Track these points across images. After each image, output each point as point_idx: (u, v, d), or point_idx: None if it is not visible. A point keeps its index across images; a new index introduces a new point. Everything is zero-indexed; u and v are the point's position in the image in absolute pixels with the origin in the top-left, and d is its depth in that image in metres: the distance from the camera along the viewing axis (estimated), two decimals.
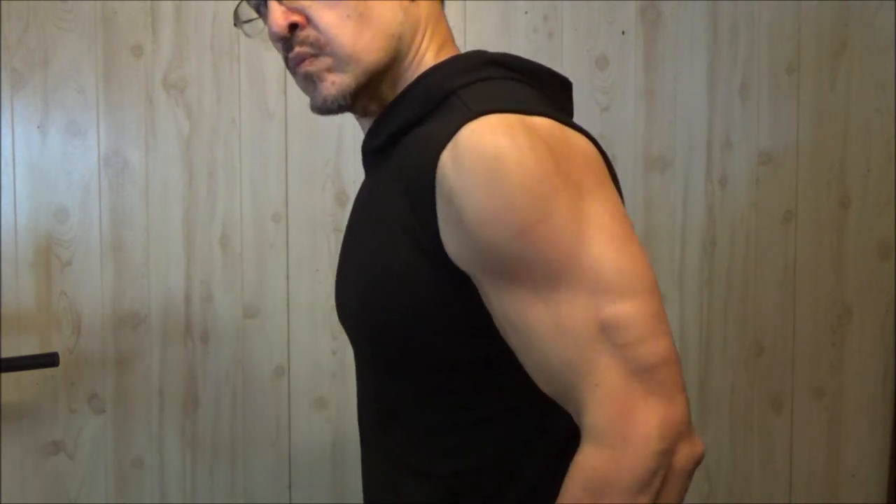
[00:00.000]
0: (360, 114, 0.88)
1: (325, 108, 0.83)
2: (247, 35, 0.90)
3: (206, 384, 1.64)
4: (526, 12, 1.68)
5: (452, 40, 0.89)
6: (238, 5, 0.88)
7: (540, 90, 0.81)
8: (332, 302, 1.65)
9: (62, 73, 1.58)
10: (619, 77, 1.72)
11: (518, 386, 0.75)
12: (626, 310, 0.66)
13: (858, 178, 1.78)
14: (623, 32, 1.71)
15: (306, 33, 0.80)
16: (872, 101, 1.77)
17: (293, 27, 0.80)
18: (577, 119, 1.77)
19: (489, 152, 0.68)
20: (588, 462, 0.67)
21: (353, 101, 0.83)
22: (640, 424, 0.66)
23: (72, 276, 1.59)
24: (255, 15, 0.87)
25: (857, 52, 1.77)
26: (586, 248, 0.67)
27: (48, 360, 1.47)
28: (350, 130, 1.65)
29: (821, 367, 1.79)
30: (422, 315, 0.77)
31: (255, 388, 1.66)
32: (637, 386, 0.66)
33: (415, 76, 0.84)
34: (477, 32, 1.67)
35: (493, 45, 1.71)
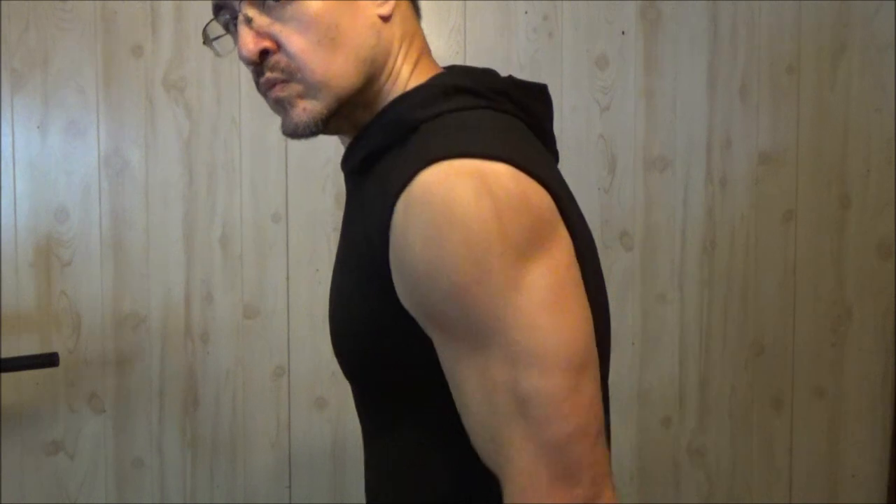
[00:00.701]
0: (334, 133, 0.87)
1: (295, 133, 0.81)
2: (217, 54, 0.89)
3: (206, 384, 1.64)
4: (526, 12, 1.68)
5: (429, 53, 0.88)
6: (207, 24, 0.87)
7: (510, 107, 0.80)
8: None
9: (62, 73, 1.58)
10: (619, 77, 1.72)
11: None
12: (543, 385, 0.66)
13: (858, 178, 1.78)
14: (623, 32, 1.71)
15: (277, 59, 0.78)
16: (872, 101, 1.77)
17: (264, 53, 0.79)
18: (576, 119, 1.77)
19: (435, 208, 0.67)
20: None
21: (324, 126, 0.81)
22: None
23: (72, 276, 1.59)
24: (223, 32, 0.86)
25: (857, 52, 1.77)
26: (515, 318, 0.66)
27: (48, 360, 1.47)
28: None
29: (821, 367, 1.79)
30: (381, 349, 0.77)
31: (255, 388, 1.66)
32: (543, 468, 0.66)
33: (389, 96, 0.83)
34: (477, 32, 1.67)
35: (493, 45, 1.72)
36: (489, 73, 0.83)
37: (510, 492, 0.68)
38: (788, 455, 1.80)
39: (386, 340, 0.76)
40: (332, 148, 1.65)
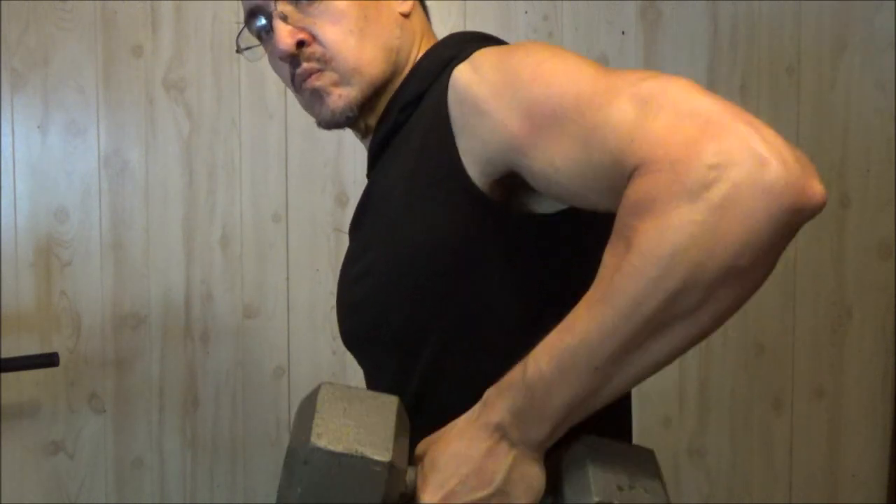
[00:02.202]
0: (361, 132, 0.92)
1: (332, 121, 0.87)
2: (248, 59, 0.95)
3: (206, 384, 1.64)
4: (526, 12, 1.68)
5: None
6: (239, 34, 0.92)
7: None
8: (333, 302, 1.65)
9: (62, 73, 1.58)
10: None
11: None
12: (653, 83, 0.61)
13: (858, 178, 1.78)
14: (623, 32, 1.71)
15: (312, 49, 0.84)
16: (872, 101, 1.77)
17: (300, 44, 0.84)
18: None
19: (498, 50, 0.75)
20: (633, 190, 0.59)
21: (359, 112, 0.87)
22: (692, 145, 0.56)
23: (72, 276, 1.59)
24: (255, 42, 0.92)
25: (857, 52, 1.77)
26: (598, 69, 0.67)
27: (48, 360, 1.47)
28: (350, 130, 1.64)
29: (821, 367, 1.79)
30: (443, 275, 0.77)
31: (255, 388, 1.66)
32: (688, 124, 0.57)
33: None
34: None
35: None
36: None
37: (648, 150, 0.58)
38: (788, 455, 1.80)
39: (446, 254, 0.76)
40: (332, 148, 1.65)
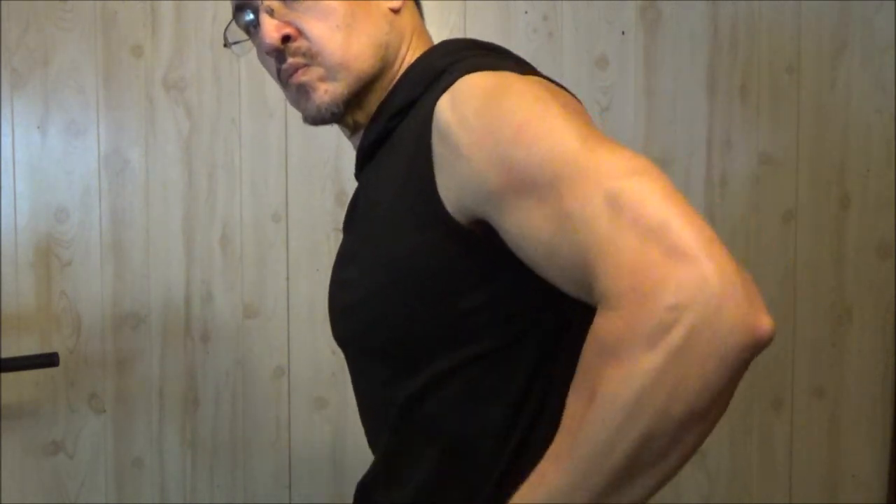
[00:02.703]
0: (350, 128, 0.91)
1: (318, 116, 0.86)
2: (236, 53, 0.94)
3: (206, 384, 1.64)
4: (526, 12, 1.68)
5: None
6: (227, 27, 0.92)
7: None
8: None
9: (62, 73, 1.58)
10: (619, 77, 1.72)
11: (525, 366, 0.76)
12: (630, 183, 0.62)
13: (858, 178, 1.78)
14: (623, 32, 1.71)
15: (298, 44, 0.84)
16: (872, 101, 1.77)
17: (286, 39, 0.83)
18: None
19: (484, 86, 0.73)
20: (600, 327, 0.61)
21: (345, 110, 0.86)
22: (652, 281, 0.58)
23: (72, 276, 1.59)
24: (243, 36, 0.91)
25: (857, 52, 1.77)
26: (583, 139, 0.66)
27: (48, 360, 1.47)
28: None
29: (821, 367, 1.79)
30: (428, 296, 0.77)
31: (255, 388, 1.66)
32: (652, 247, 0.59)
33: None
34: (477, 32, 1.67)
35: None
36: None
37: (614, 278, 0.60)
38: (788, 455, 1.80)
39: (428, 278, 0.76)
40: (332, 148, 1.65)
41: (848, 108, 1.77)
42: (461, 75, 0.75)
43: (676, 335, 0.56)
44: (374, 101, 0.88)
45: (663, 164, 1.73)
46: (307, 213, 1.65)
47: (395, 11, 0.88)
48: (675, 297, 0.56)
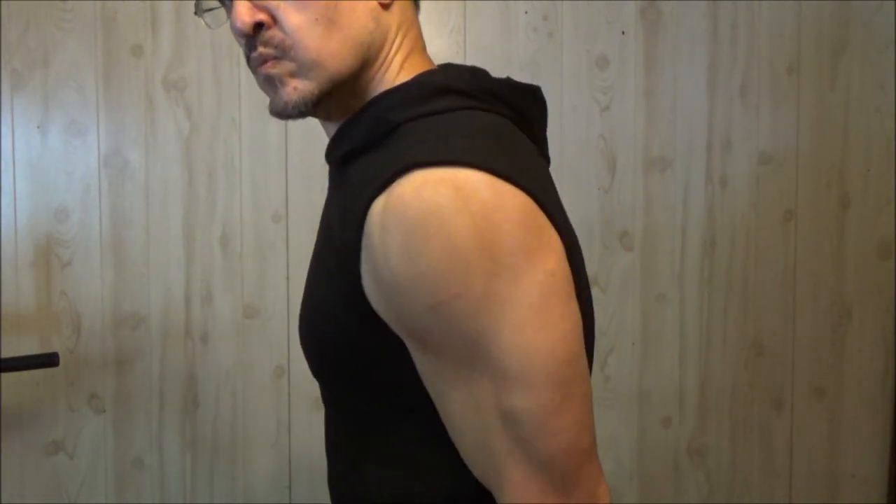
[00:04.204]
0: (323, 118, 0.85)
1: (284, 113, 0.79)
2: (207, 26, 0.86)
3: (206, 384, 1.64)
4: (526, 12, 1.68)
5: (422, 49, 0.86)
6: None
7: (503, 108, 0.78)
8: None
9: (62, 73, 1.58)
10: (619, 77, 1.72)
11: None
12: (529, 403, 0.65)
13: (858, 178, 1.78)
14: (623, 32, 1.71)
15: (272, 34, 0.76)
16: (872, 101, 1.77)
17: (258, 26, 0.76)
18: (576, 119, 1.77)
19: (412, 220, 0.64)
20: None
21: (314, 109, 0.79)
22: None
23: (72, 276, 1.59)
24: (216, 4, 0.83)
25: (857, 52, 1.77)
26: (496, 333, 0.64)
27: (48, 360, 1.47)
28: None
29: (821, 367, 1.79)
30: (345, 355, 0.76)
31: (255, 388, 1.66)
32: (535, 483, 0.66)
33: (380, 86, 0.81)
34: (477, 32, 1.67)
35: (493, 45, 1.72)
36: (480, 73, 0.81)
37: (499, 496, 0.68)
38: (788, 455, 1.80)
39: (356, 345, 0.74)
40: None
41: (848, 108, 1.77)
42: (401, 169, 0.67)
43: None
44: (349, 100, 0.81)
45: (663, 163, 1.74)
46: (307, 213, 1.65)
47: (385, 7, 0.80)
48: None
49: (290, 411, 1.67)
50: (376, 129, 0.76)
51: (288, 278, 1.65)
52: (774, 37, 1.75)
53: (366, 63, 0.79)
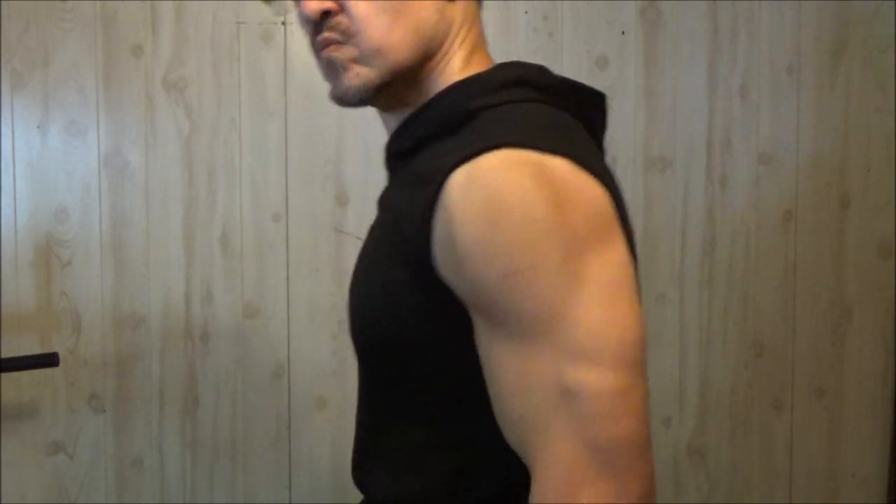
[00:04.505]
0: (381, 108, 0.86)
1: (344, 99, 0.81)
2: (274, 13, 0.89)
3: (206, 384, 1.64)
4: (526, 12, 1.68)
5: (484, 45, 0.87)
6: None
7: (571, 108, 0.79)
8: (332, 302, 1.66)
9: (62, 73, 1.58)
10: (619, 77, 1.72)
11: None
12: (592, 380, 0.63)
13: (858, 178, 1.78)
14: (623, 32, 1.71)
15: (338, 20, 0.78)
16: (872, 101, 1.77)
17: (325, 14, 0.78)
18: None
19: (495, 188, 0.66)
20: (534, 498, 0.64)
21: (374, 96, 0.80)
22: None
23: (72, 276, 1.59)
24: None
25: (857, 52, 1.77)
26: (568, 307, 0.64)
27: (48, 360, 1.47)
28: (350, 130, 1.64)
29: (821, 367, 1.79)
30: (405, 335, 0.76)
31: (255, 388, 1.66)
32: (586, 464, 0.62)
33: (438, 82, 0.82)
34: None
35: (493, 45, 1.71)
36: (547, 72, 0.83)
37: (544, 479, 0.64)
38: (788, 455, 1.80)
39: (410, 325, 0.74)
40: (332, 148, 1.65)
41: (848, 108, 1.77)
42: (486, 146, 0.68)
43: None
44: (407, 92, 0.82)
45: (663, 163, 1.74)
46: (307, 213, 1.65)
47: (450, 0, 0.81)
48: None
49: (290, 411, 1.67)
50: (454, 115, 0.77)
51: (288, 278, 1.65)
52: (774, 37, 1.75)
53: (427, 55, 0.81)
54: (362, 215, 1.65)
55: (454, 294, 0.70)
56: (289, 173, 1.65)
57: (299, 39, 1.61)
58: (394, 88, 0.81)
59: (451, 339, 0.73)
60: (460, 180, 0.68)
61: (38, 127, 1.58)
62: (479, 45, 0.86)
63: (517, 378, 0.66)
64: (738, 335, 1.77)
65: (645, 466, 0.65)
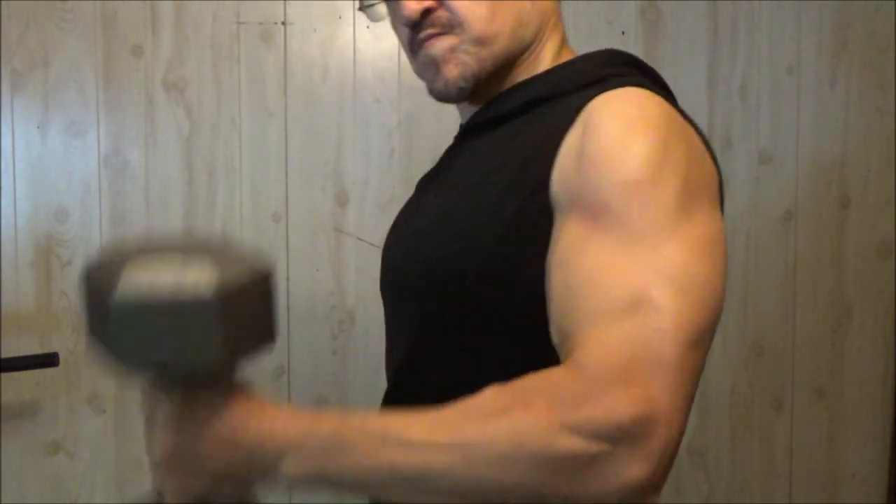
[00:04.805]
0: (472, 101, 0.87)
1: (444, 91, 0.83)
2: (369, 19, 0.90)
3: None
4: None
5: (567, 41, 0.90)
6: None
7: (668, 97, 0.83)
8: (332, 302, 1.66)
9: (62, 73, 1.58)
10: None
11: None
12: (671, 304, 0.61)
13: (858, 178, 1.78)
14: (623, 32, 1.71)
15: (438, 14, 0.81)
16: (872, 101, 1.77)
17: (426, 12, 0.80)
18: None
19: (638, 104, 0.71)
20: (559, 377, 0.61)
21: (474, 85, 0.82)
22: (620, 391, 0.58)
23: (72, 276, 1.59)
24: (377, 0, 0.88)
25: (857, 53, 1.77)
26: (670, 234, 0.64)
27: (48, 360, 1.47)
28: (350, 130, 1.64)
29: (821, 367, 1.79)
30: (499, 272, 0.75)
31: (256, 388, 1.65)
32: (641, 365, 0.59)
33: (533, 66, 0.85)
34: None
35: None
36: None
37: (595, 357, 0.61)
38: (788, 455, 1.80)
39: (510, 257, 0.74)
40: (332, 148, 1.65)
41: (848, 108, 1.77)
42: (628, 85, 0.74)
43: (596, 453, 0.56)
44: (499, 84, 0.84)
45: None
46: (307, 213, 1.65)
47: None
48: (620, 426, 0.57)
49: None
50: (585, 77, 0.79)
51: (288, 278, 1.65)
52: (774, 37, 1.75)
53: (522, 43, 0.83)
54: (362, 215, 1.65)
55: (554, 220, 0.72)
56: (289, 173, 1.65)
57: (299, 39, 1.61)
58: (489, 79, 0.83)
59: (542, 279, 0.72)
60: (602, 99, 0.72)
61: (38, 127, 1.58)
62: (565, 40, 0.89)
63: (600, 272, 0.65)
64: (738, 335, 1.77)
65: (684, 398, 0.63)
